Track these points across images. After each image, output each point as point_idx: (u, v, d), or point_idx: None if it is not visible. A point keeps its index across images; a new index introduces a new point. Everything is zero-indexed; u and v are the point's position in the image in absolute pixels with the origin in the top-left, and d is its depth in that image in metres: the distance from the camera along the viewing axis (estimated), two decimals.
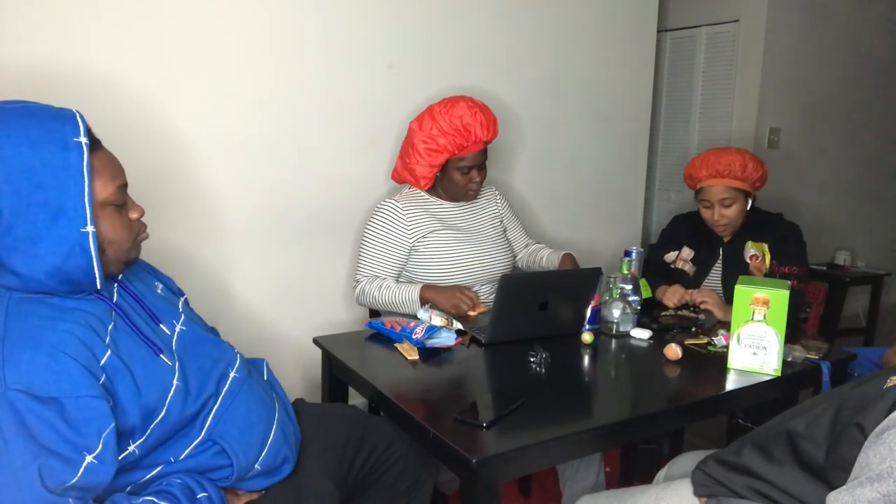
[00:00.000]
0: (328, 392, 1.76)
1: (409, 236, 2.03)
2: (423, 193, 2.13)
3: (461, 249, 2.05)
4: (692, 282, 2.20)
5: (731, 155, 2.08)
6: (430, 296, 1.93)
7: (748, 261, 2.12)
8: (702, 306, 1.96)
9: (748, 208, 2.14)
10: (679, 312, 2.02)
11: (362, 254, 2.06)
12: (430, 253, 2.03)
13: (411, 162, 2.04)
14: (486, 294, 2.09)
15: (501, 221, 2.26)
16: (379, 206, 2.09)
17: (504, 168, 2.76)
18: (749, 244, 2.13)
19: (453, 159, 2.03)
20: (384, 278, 2.03)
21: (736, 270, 2.08)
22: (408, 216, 2.04)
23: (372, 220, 2.07)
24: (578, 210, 3.04)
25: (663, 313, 2.01)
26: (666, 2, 3.87)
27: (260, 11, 2.12)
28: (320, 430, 1.41)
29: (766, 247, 2.11)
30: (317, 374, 1.83)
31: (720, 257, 2.19)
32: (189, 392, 1.15)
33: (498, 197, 2.29)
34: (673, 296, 2.06)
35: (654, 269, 2.24)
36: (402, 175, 2.12)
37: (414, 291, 1.95)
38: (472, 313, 1.90)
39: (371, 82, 2.37)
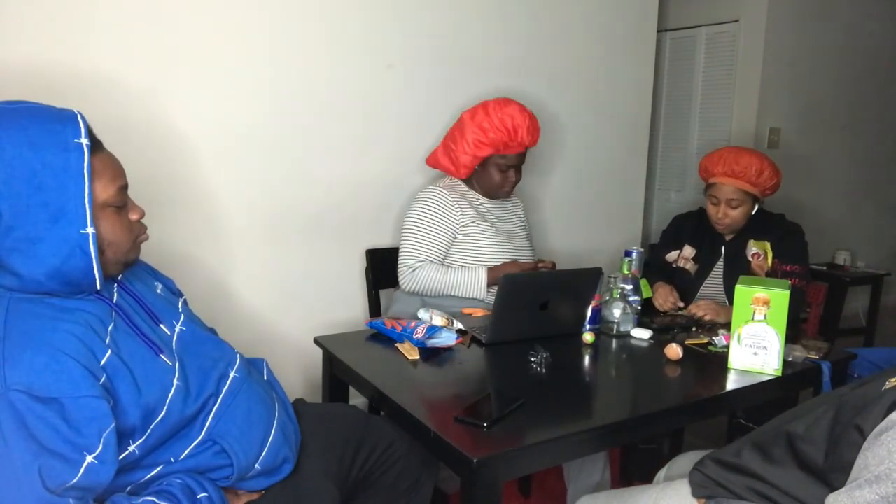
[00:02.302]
0: (329, 392, 1.76)
1: (456, 222, 2.10)
2: (461, 184, 2.20)
3: (497, 242, 2.12)
4: (694, 280, 2.20)
5: (750, 157, 2.06)
6: (496, 274, 2.02)
7: (750, 259, 2.12)
8: (705, 318, 1.95)
9: (753, 212, 2.14)
10: (679, 312, 2.02)
11: (410, 239, 2.10)
12: (470, 242, 2.09)
13: (457, 149, 2.11)
14: None
15: (524, 228, 2.32)
16: (423, 192, 2.15)
17: None
18: (751, 242, 2.13)
19: (495, 155, 2.10)
20: (439, 264, 2.08)
21: (738, 269, 2.08)
22: (454, 203, 2.11)
23: (418, 206, 2.13)
24: (578, 210, 3.04)
25: (661, 314, 2.01)
26: (666, 2, 3.87)
27: (260, 12, 2.12)
28: (320, 430, 1.41)
29: (768, 245, 2.11)
30: (317, 374, 1.84)
31: (722, 256, 2.19)
32: (189, 392, 1.15)
33: (522, 207, 2.37)
34: (664, 301, 2.05)
35: (656, 270, 2.24)
36: (441, 161, 2.19)
37: (480, 271, 2.03)
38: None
39: (371, 82, 2.37)
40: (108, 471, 1.01)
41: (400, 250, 2.13)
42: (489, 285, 2.03)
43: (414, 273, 2.07)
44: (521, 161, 2.15)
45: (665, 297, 2.05)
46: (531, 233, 2.39)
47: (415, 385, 1.52)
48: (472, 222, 2.11)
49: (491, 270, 2.04)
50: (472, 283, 2.03)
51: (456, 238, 2.11)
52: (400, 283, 2.12)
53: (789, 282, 1.59)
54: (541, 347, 1.60)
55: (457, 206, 2.11)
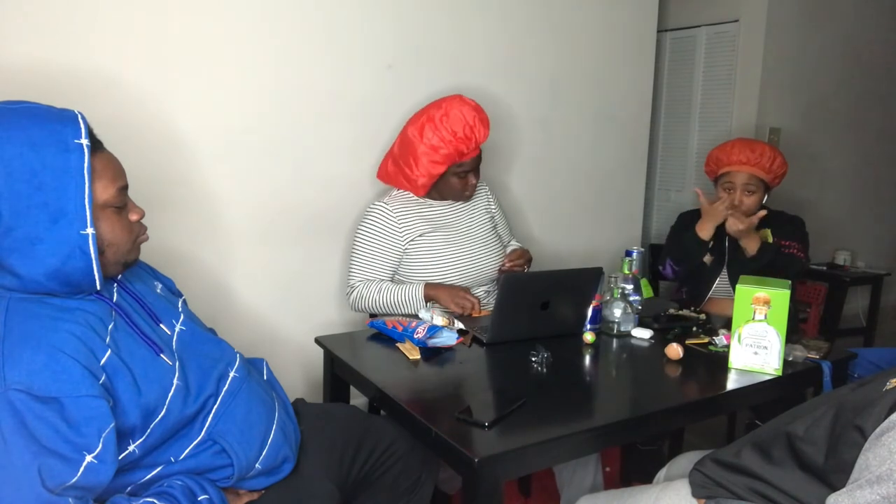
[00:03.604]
0: (330, 391, 1.76)
1: (401, 239, 2.02)
2: (412, 195, 2.11)
3: (452, 251, 2.05)
4: (709, 273, 2.23)
5: (763, 146, 2.17)
6: (434, 293, 1.94)
7: None
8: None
9: (763, 201, 2.21)
10: (680, 313, 2.02)
11: (355, 258, 2.05)
12: (421, 255, 2.02)
13: (412, 173, 2.02)
14: (482, 298, 2.08)
15: (492, 218, 2.24)
16: (369, 209, 2.08)
17: (504, 168, 2.76)
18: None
19: (452, 166, 2.02)
20: (381, 280, 2.02)
21: (741, 263, 2.13)
22: (398, 219, 2.03)
23: (363, 223, 2.06)
24: (579, 210, 3.04)
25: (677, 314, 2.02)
26: (666, 2, 3.87)
27: (260, 11, 2.12)
28: (320, 429, 1.41)
29: (768, 232, 2.16)
30: (318, 374, 1.84)
31: (727, 251, 2.24)
32: (189, 392, 1.15)
33: (489, 194, 2.27)
34: (717, 215, 2.12)
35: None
36: (396, 179, 2.10)
37: (418, 289, 1.95)
38: (475, 313, 1.91)
39: (370, 82, 2.37)
40: (107, 470, 1.01)
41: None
42: (429, 300, 1.95)
43: (354, 293, 2.02)
44: (480, 161, 2.07)
45: (716, 212, 2.12)
46: (500, 221, 2.28)
47: (416, 385, 1.52)
48: (420, 235, 2.02)
49: (429, 286, 1.96)
50: (410, 301, 1.94)
51: (406, 253, 2.03)
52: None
53: (789, 282, 1.59)
54: (542, 347, 1.59)
55: (401, 221, 2.02)
